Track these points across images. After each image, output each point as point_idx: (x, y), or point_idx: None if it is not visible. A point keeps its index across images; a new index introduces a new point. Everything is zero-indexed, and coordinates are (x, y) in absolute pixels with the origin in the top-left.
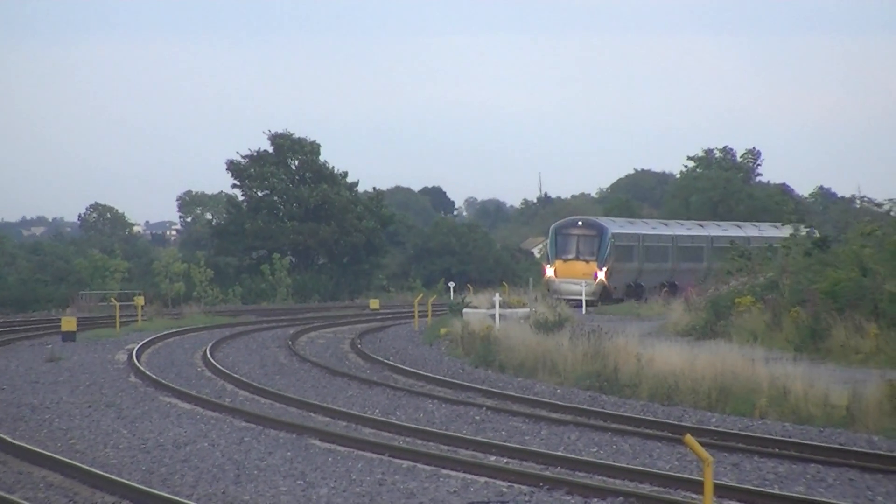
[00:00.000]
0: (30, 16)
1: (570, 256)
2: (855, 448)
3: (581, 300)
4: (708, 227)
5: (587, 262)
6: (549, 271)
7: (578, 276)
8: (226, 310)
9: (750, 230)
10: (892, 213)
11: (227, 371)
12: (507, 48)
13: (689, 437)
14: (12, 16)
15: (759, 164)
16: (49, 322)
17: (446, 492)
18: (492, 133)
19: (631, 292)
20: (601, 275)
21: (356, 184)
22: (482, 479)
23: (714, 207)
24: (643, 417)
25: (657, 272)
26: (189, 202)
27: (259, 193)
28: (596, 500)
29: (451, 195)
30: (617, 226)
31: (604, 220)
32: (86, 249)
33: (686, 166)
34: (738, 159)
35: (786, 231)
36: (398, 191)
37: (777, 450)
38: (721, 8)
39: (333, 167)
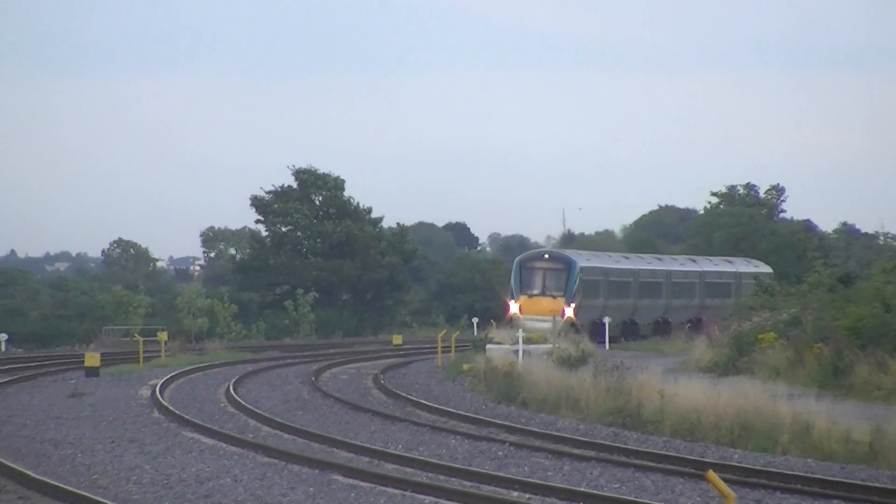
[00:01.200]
0: (50, 53)
1: (536, 292)
2: (877, 484)
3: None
4: (666, 262)
5: (554, 297)
6: (513, 307)
7: (545, 313)
8: (249, 345)
9: (705, 264)
10: None
11: (249, 407)
12: (532, 85)
13: (711, 474)
14: (34, 53)
15: (782, 201)
16: (72, 357)
17: None
18: (516, 169)
19: (596, 329)
20: (569, 311)
21: (380, 219)
22: None
23: (737, 244)
24: (666, 453)
25: (622, 308)
26: (212, 238)
27: (283, 229)
28: None
29: (474, 231)
30: (584, 259)
31: (571, 253)
32: (109, 285)
33: (709, 202)
34: (762, 195)
35: (737, 265)
36: (421, 226)
37: (799, 486)
38: (745, 45)
39: (358, 203)
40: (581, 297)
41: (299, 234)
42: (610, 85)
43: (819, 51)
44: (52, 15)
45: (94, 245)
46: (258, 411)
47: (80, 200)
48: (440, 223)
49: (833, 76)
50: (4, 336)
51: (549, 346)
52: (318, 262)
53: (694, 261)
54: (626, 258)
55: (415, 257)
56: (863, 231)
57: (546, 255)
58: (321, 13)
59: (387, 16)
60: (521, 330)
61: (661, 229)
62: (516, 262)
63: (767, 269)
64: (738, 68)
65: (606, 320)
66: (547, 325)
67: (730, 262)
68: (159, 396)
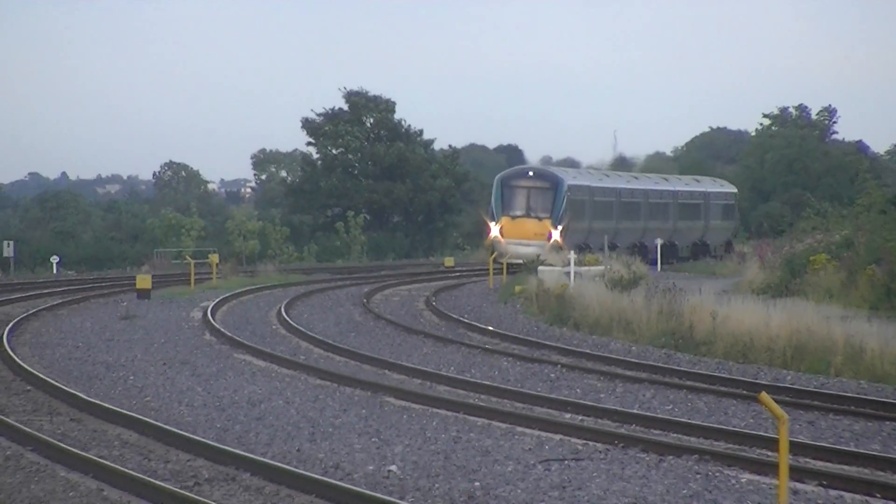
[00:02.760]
0: None
1: (520, 213)
2: None
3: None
4: (643, 181)
5: (539, 219)
6: (494, 230)
7: (529, 237)
8: (300, 268)
9: (677, 184)
10: None
11: (301, 329)
12: (583, 7)
13: (764, 395)
14: None
15: (834, 122)
16: (124, 280)
17: (521, 449)
18: (567, 92)
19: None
20: (556, 235)
21: (432, 142)
22: (557, 437)
23: (789, 165)
24: (718, 375)
25: (604, 232)
26: (263, 160)
27: (334, 151)
28: (671, 457)
29: (526, 154)
30: (571, 177)
31: (557, 171)
32: (160, 207)
33: (761, 124)
34: (814, 117)
35: (706, 185)
36: (473, 149)
37: (852, 407)
38: None
39: (409, 125)
40: (569, 220)
41: (350, 156)
42: (660, 6)
43: None
44: None
45: (145, 167)
46: (310, 333)
47: (131, 123)
48: (492, 145)
49: None
50: (56, 259)
51: (600, 268)
52: (370, 184)
53: (667, 180)
54: (608, 176)
55: (467, 180)
56: None
57: (530, 173)
58: None
59: None
60: (497, 253)
61: (714, 151)
62: (497, 179)
63: (732, 189)
64: None
65: (658, 242)
66: (531, 251)
67: (698, 181)
68: (211, 319)
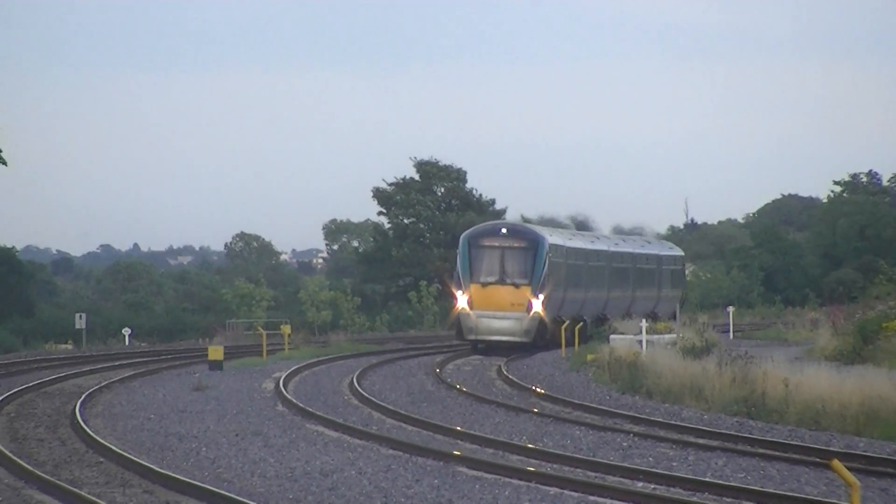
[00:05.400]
0: (175, 48)
1: (492, 279)
2: None
3: (509, 342)
4: (628, 242)
5: (517, 286)
6: (461, 300)
7: (505, 308)
8: (372, 337)
9: (635, 246)
10: None
11: (373, 399)
12: (654, 74)
13: (836, 462)
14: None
15: None
16: (196, 351)
17: None
18: (638, 159)
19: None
20: (537, 305)
21: (503, 211)
22: None
23: (861, 231)
24: (791, 442)
25: (594, 302)
26: (335, 230)
27: (405, 221)
28: None
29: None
30: (552, 235)
31: (536, 227)
32: (232, 278)
33: (833, 191)
34: (885, 183)
35: (658, 248)
36: (544, 220)
37: None
38: (865, 31)
39: (480, 194)
40: (551, 286)
41: (422, 225)
42: (731, 74)
43: None
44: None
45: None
46: (382, 403)
47: (202, 194)
48: (562, 215)
49: None
50: (128, 330)
51: (672, 335)
52: (442, 253)
53: (625, 241)
54: (596, 237)
55: None
56: None
57: (503, 230)
58: (440, 5)
59: (505, 8)
60: (466, 330)
61: (785, 217)
62: (463, 238)
63: (680, 253)
64: (861, 54)
65: (730, 309)
66: (508, 325)
67: (649, 242)
68: (283, 389)
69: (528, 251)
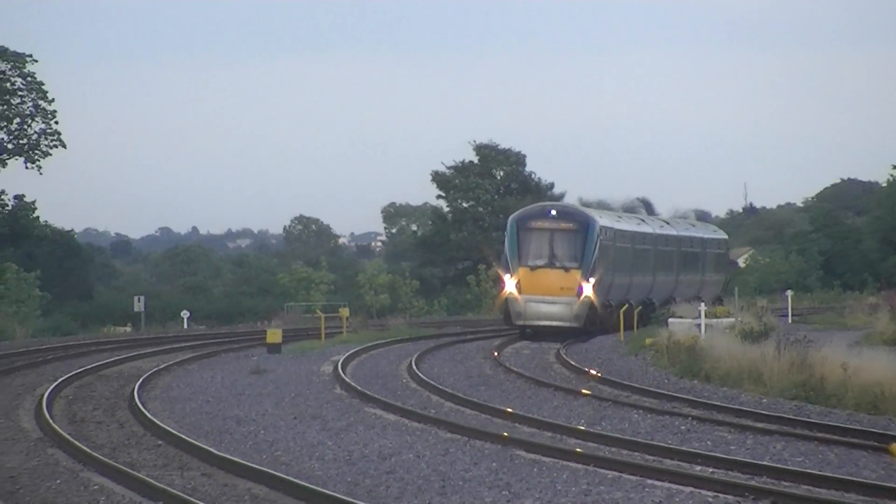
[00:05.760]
0: (234, 35)
1: (541, 262)
2: None
3: (558, 327)
4: (673, 225)
5: (566, 270)
6: (509, 285)
7: (554, 293)
8: (431, 321)
9: (680, 228)
10: None
11: (432, 382)
12: (714, 60)
13: (894, 447)
14: (221, 35)
15: None
16: (254, 334)
17: (652, 502)
18: (697, 143)
19: (608, 315)
20: (588, 289)
21: (562, 196)
22: (688, 490)
23: None
24: (849, 427)
25: (640, 287)
26: (393, 214)
27: (464, 205)
28: None
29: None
30: (604, 218)
31: (586, 210)
32: (290, 262)
33: (892, 175)
34: None
35: (702, 231)
36: (603, 204)
37: None
38: None
39: (539, 178)
40: (602, 269)
41: (481, 209)
42: (792, 58)
43: None
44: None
45: (275, 222)
46: (440, 387)
47: (261, 177)
48: (621, 198)
49: None
50: (187, 313)
51: (731, 319)
52: (501, 236)
53: (669, 223)
54: (642, 220)
55: None
56: None
57: (553, 212)
58: None
59: None
60: (514, 315)
61: (844, 202)
62: (511, 220)
63: (724, 236)
64: None
65: (789, 294)
66: (557, 310)
67: (693, 225)
68: (341, 372)
69: (577, 233)
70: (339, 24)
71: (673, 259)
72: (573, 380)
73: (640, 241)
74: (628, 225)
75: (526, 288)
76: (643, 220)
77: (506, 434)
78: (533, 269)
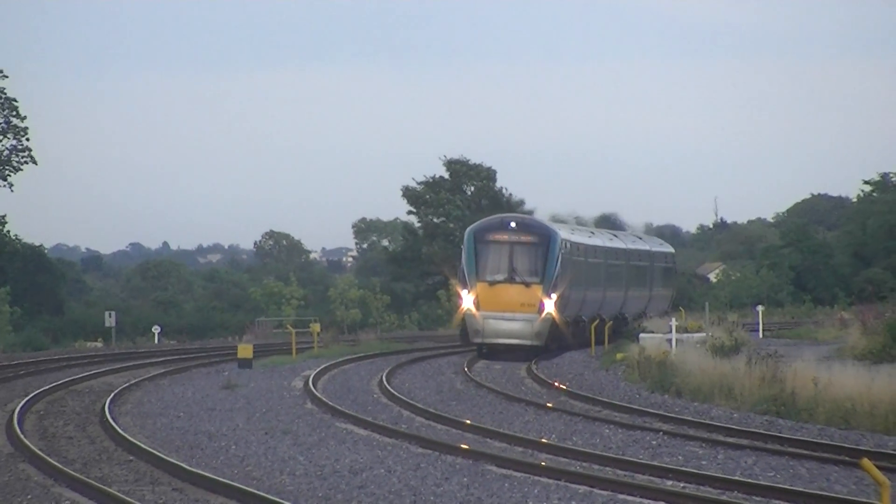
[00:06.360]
0: (204, 47)
1: (500, 277)
2: None
3: (519, 345)
4: (623, 238)
5: (527, 285)
6: (467, 300)
7: (514, 309)
8: (402, 336)
9: (628, 241)
10: None
11: (403, 397)
12: (682, 73)
13: (866, 461)
14: (190, 46)
15: None
16: (225, 349)
17: None
18: (667, 158)
19: (578, 331)
20: (549, 306)
21: (533, 211)
22: None
23: (891, 231)
24: (820, 441)
25: (594, 301)
26: (364, 229)
27: (435, 220)
28: None
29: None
30: (565, 230)
31: (548, 222)
32: (261, 276)
33: (862, 191)
34: None
35: (649, 244)
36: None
37: None
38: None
39: (510, 194)
40: (564, 285)
41: (451, 224)
42: (760, 73)
43: None
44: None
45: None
46: (411, 402)
47: (231, 193)
48: (592, 214)
49: None
50: (158, 328)
51: (702, 334)
52: None
53: (617, 236)
54: (592, 233)
55: None
56: None
57: (512, 224)
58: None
59: (535, 7)
60: (472, 332)
61: (815, 217)
62: (469, 232)
63: (671, 250)
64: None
65: (760, 308)
66: (517, 327)
67: (640, 238)
68: (312, 387)
69: (539, 247)
70: (306, 41)
71: (622, 273)
72: (544, 394)
73: (592, 255)
74: (583, 238)
75: (484, 304)
76: (593, 233)
77: (466, 446)
78: (492, 284)
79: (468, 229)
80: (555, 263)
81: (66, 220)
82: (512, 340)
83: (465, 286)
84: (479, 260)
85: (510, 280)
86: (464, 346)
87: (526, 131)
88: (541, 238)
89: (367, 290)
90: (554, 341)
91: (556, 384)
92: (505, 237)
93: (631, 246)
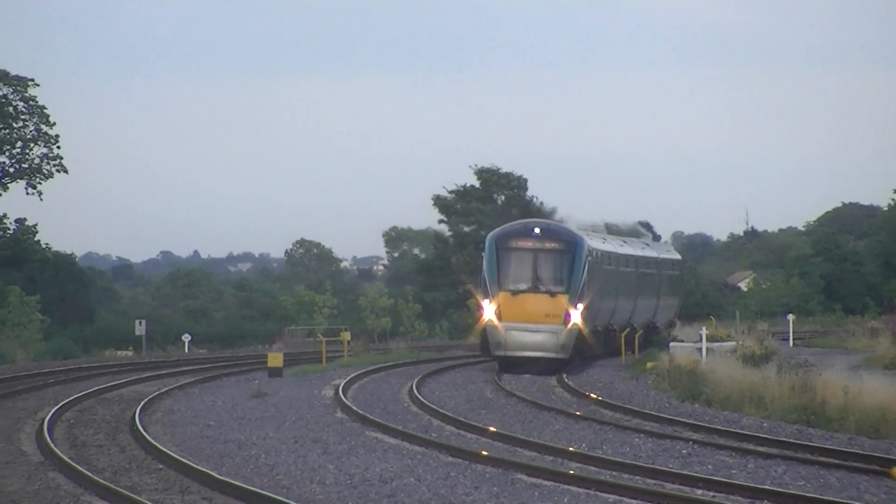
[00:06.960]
0: (236, 58)
1: (523, 286)
2: None
3: (543, 358)
4: (655, 247)
5: (552, 295)
6: (488, 311)
7: (539, 319)
8: (433, 345)
9: (637, 248)
10: None
11: (433, 406)
12: (717, 83)
13: (895, 470)
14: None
15: None
16: (255, 358)
17: None
18: (699, 167)
19: (604, 339)
20: (576, 317)
21: (564, 220)
22: None
23: None
24: (850, 451)
25: (623, 311)
26: (395, 237)
27: (466, 229)
28: None
29: (657, 229)
30: (593, 238)
31: (573, 228)
32: (291, 285)
33: (893, 199)
34: None
35: (658, 250)
36: (607, 228)
37: None
38: None
39: (541, 202)
40: (591, 295)
41: (483, 233)
42: (793, 82)
43: None
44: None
45: (276, 245)
46: (441, 410)
47: (262, 201)
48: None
49: None
50: (188, 337)
51: (732, 343)
52: None
53: (627, 242)
54: (604, 239)
55: None
56: None
57: (537, 230)
58: (501, 14)
59: (567, 15)
60: (493, 344)
61: (845, 226)
62: (490, 239)
63: (678, 257)
64: None
65: (790, 317)
66: (541, 339)
67: (647, 245)
68: (342, 396)
69: (565, 254)
70: (339, 49)
71: (632, 281)
72: (574, 403)
73: (644, 265)
74: (604, 244)
75: (507, 314)
76: (605, 239)
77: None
78: (514, 293)
79: (489, 235)
80: (581, 272)
81: (97, 229)
82: (535, 353)
83: (486, 295)
84: (501, 268)
85: (534, 289)
86: (484, 359)
87: (557, 140)
88: (567, 245)
89: (397, 298)
90: (580, 354)
91: (589, 394)
92: (529, 244)
93: (639, 253)
